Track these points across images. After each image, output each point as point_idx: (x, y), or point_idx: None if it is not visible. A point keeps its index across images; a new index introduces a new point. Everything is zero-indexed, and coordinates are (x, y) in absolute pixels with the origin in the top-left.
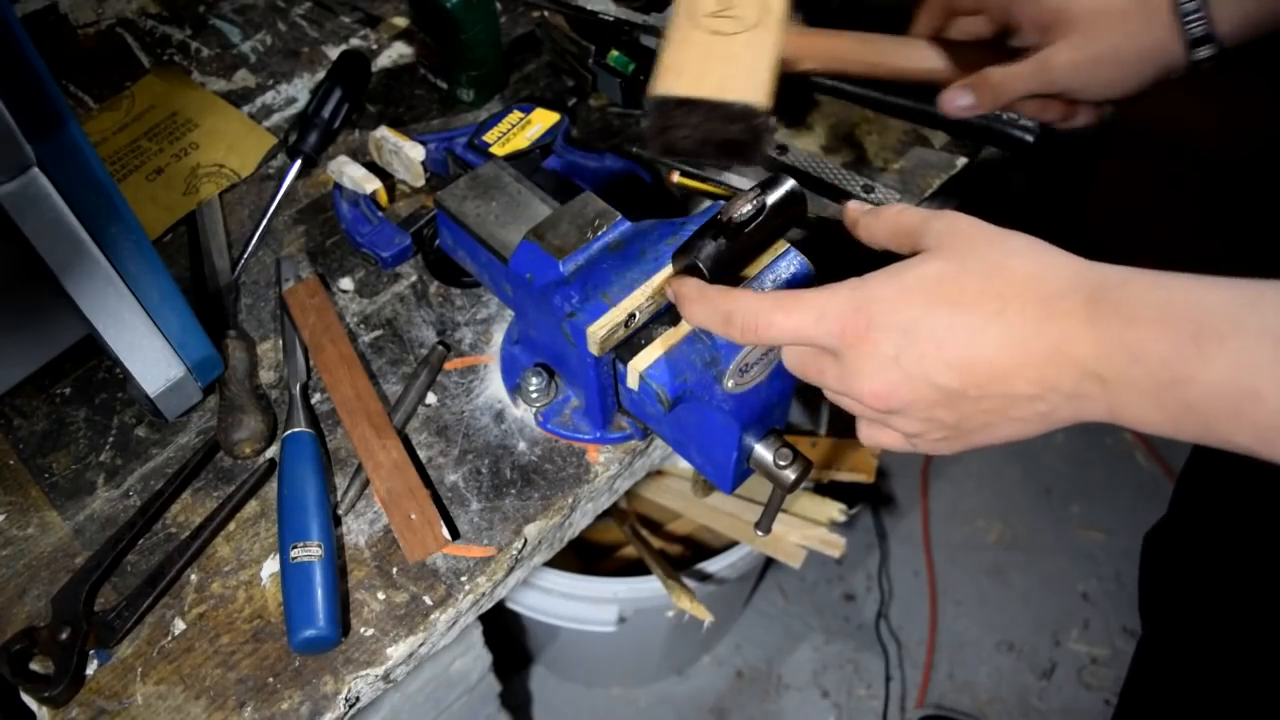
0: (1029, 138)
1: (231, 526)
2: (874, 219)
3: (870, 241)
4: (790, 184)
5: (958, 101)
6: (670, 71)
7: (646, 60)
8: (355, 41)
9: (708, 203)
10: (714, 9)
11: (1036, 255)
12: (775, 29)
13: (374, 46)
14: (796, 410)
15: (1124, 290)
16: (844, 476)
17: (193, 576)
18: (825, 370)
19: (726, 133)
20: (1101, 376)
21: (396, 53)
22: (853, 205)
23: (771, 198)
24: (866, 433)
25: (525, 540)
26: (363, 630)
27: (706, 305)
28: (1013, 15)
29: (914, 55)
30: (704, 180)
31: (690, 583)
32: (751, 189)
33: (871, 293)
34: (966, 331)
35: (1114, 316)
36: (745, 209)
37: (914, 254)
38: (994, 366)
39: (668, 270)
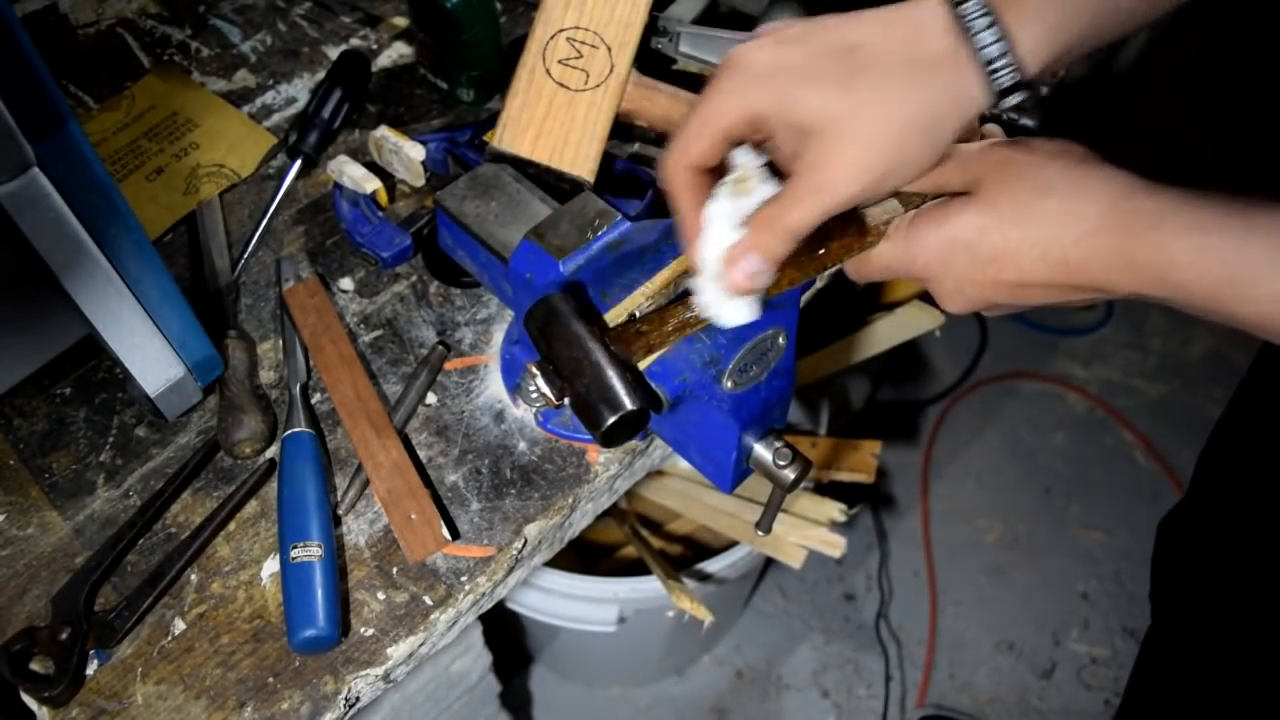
0: (1032, 124)
1: (231, 526)
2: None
3: (918, 190)
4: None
5: (739, 269)
6: (513, 125)
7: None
8: (355, 41)
9: None
10: (565, 55)
11: (1070, 188)
12: (615, 91)
13: (374, 46)
14: (796, 410)
15: (1159, 233)
16: (844, 476)
17: (193, 576)
18: None
19: (560, 178)
20: (1145, 296)
21: (396, 53)
22: None
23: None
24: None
25: (525, 540)
26: (363, 630)
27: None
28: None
29: None
30: None
31: (690, 583)
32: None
33: (919, 246)
34: (1014, 272)
35: (1150, 261)
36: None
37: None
38: (1045, 288)
39: (668, 270)
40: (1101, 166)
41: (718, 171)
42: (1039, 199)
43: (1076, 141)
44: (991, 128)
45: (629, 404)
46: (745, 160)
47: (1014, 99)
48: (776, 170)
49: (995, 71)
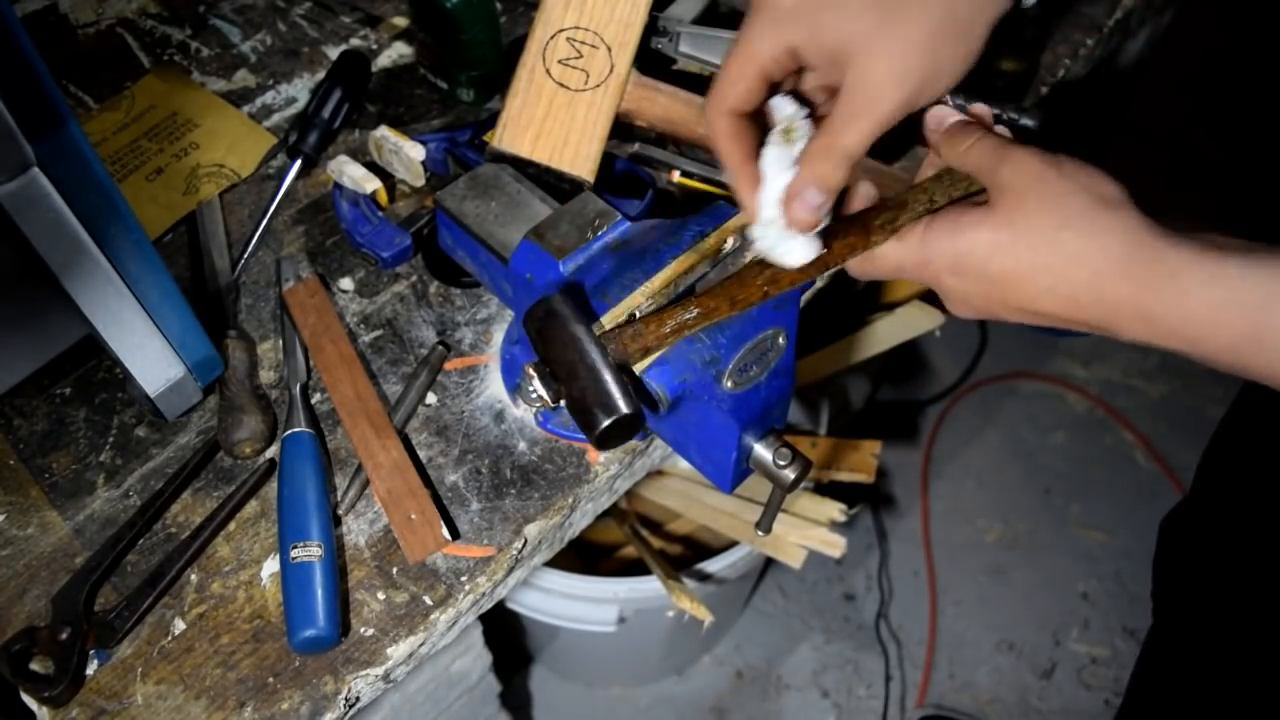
0: (1032, 124)
1: (231, 526)
2: (951, 146)
3: (948, 162)
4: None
5: (803, 202)
6: (513, 125)
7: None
8: (355, 41)
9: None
10: (565, 55)
11: (1089, 226)
12: (615, 92)
13: (374, 46)
14: (796, 410)
15: (1176, 285)
16: (844, 476)
17: (193, 576)
18: None
19: (560, 178)
20: (1156, 345)
21: (396, 53)
22: (935, 121)
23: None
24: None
25: (525, 540)
26: (363, 630)
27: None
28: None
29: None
30: (704, 180)
31: (690, 583)
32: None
33: (932, 252)
34: (1023, 298)
35: (1166, 314)
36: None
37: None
38: (1051, 317)
39: (668, 270)
40: (1127, 210)
41: (758, 119)
42: (1056, 230)
43: (1111, 179)
44: (1000, 129)
45: (624, 408)
46: (789, 110)
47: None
48: (818, 120)
49: None
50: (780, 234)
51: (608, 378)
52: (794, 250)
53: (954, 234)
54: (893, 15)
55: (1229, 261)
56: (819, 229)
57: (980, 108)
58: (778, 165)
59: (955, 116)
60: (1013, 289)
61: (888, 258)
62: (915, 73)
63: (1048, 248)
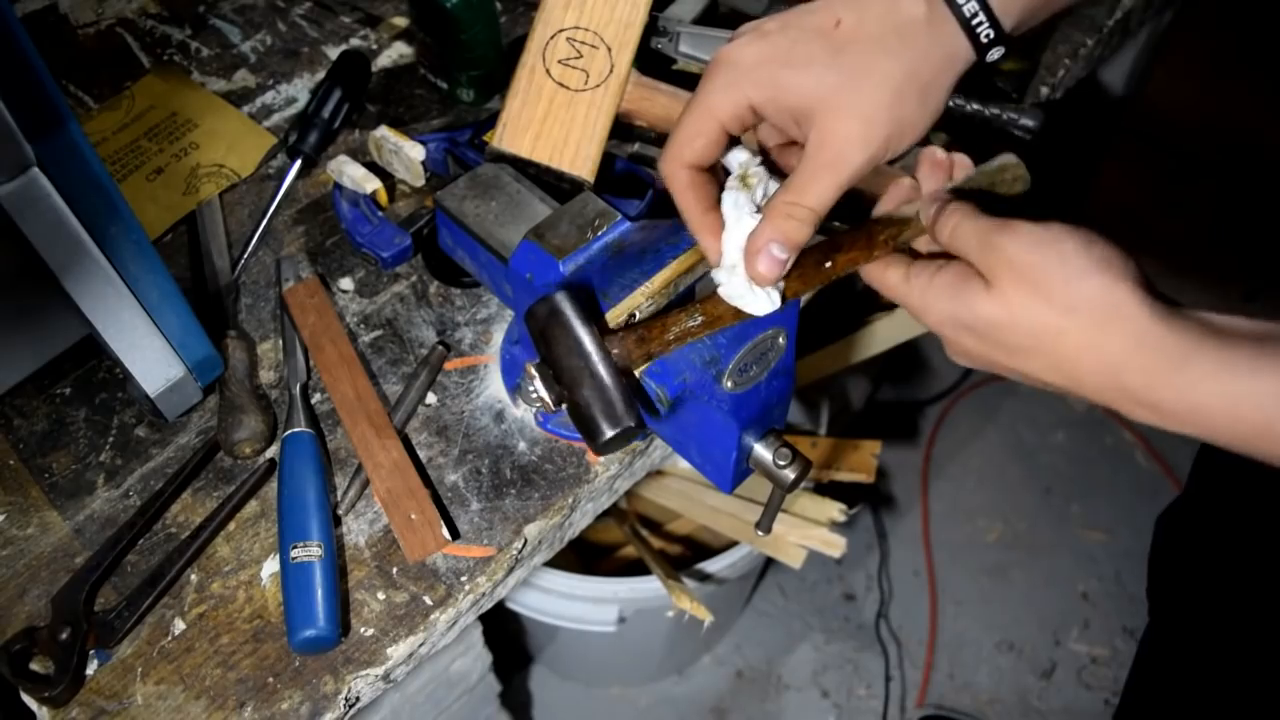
0: (1027, 136)
1: (231, 526)
2: (937, 228)
3: (937, 242)
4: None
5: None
6: (513, 125)
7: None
8: (355, 41)
9: None
10: (565, 55)
11: (1094, 318)
12: (615, 91)
13: (374, 46)
14: (796, 410)
15: (1184, 377)
16: (844, 476)
17: (193, 576)
18: None
19: (560, 178)
20: (1167, 430)
21: (396, 53)
22: (925, 163)
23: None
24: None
25: (525, 540)
26: (363, 630)
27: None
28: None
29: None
30: None
31: (690, 583)
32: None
33: (933, 306)
34: (1023, 367)
35: (1176, 406)
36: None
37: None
38: (1056, 388)
39: (668, 270)
40: (1131, 295)
41: (713, 169)
42: (1060, 319)
43: (1117, 254)
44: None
45: (628, 420)
46: (743, 159)
47: (997, 53)
48: (773, 166)
49: (976, 26)
50: (744, 284)
51: (612, 386)
52: (758, 301)
53: (955, 299)
54: (856, 76)
55: (1239, 351)
56: (829, 239)
57: (960, 157)
58: (738, 210)
59: (941, 157)
60: (1014, 359)
61: (894, 289)
62: (879, 133)
63: (1051, 336)
